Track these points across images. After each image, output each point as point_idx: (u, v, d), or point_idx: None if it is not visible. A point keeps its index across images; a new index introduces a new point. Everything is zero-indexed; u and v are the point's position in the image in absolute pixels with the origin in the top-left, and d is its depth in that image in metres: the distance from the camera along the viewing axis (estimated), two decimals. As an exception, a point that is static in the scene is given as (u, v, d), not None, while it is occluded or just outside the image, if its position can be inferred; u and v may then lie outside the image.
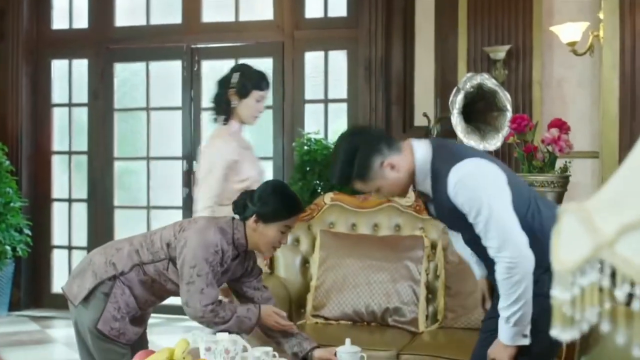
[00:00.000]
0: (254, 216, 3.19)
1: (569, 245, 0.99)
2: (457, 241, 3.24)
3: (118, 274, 3.22)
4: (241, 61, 7.51)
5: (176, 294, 3.33)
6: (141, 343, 3.41)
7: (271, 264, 4.69)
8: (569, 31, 5.32)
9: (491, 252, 2.78)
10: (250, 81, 3.92)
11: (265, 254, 3.36)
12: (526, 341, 2.80)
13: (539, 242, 2.71)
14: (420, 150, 2.89)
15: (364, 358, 3.18)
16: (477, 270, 3.28)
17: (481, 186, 2.76)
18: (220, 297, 3.23)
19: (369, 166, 2.84)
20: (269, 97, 4.06)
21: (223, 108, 4.00)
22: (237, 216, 3.26)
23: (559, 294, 0.99)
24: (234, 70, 4.06)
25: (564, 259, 0.99)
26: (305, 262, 4.69)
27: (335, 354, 3.21)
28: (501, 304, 2.81)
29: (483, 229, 2.75)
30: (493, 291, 3.12)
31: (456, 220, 2.87)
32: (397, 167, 2.85)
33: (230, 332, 3.09)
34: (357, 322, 4.39)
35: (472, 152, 2.92)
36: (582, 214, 1.00)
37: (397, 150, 2.87)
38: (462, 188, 2.75)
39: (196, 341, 3.05)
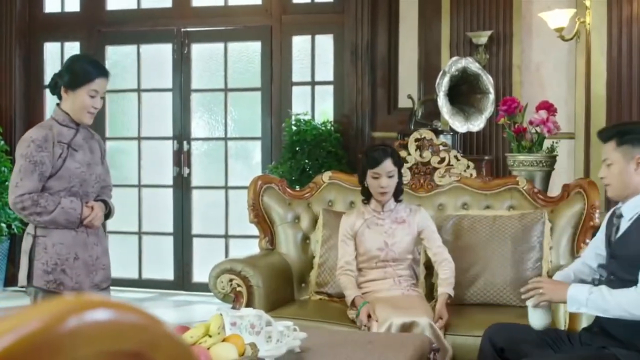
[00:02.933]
0: (63, 88, 3.31)
1: None
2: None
3: (33, 235, 3.27)
4: (230, 45, 7.42)
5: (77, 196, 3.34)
6: None
7: (272, 241, 4.63)
8: (556, 17, 5.30)
9: None
10: None
11: (85, 122, 3.36)
12: (572, 309, 2.93)
13: None
14: None
15: None
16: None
17: None
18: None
19: (633, 144, 2.92)
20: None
21: None
22: None
23: None
24: None
25: None
26: (305, 239, 4.62)
27: None
28: (610, 290, 2.85)
29: None
30: None
31: (629, 250, 2.91)
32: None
33: (59, 225, 3.21)
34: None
35: None
36: None
37: None
38: None
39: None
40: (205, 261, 7.44)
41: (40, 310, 0.62)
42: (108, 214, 3.52)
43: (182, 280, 7.52)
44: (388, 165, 3.91)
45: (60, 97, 3.37)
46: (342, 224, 4.10)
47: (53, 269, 3.26)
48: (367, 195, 4.09)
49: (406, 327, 3.54)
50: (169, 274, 7.58)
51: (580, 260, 3.38)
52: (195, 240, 7.54)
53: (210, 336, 2.52)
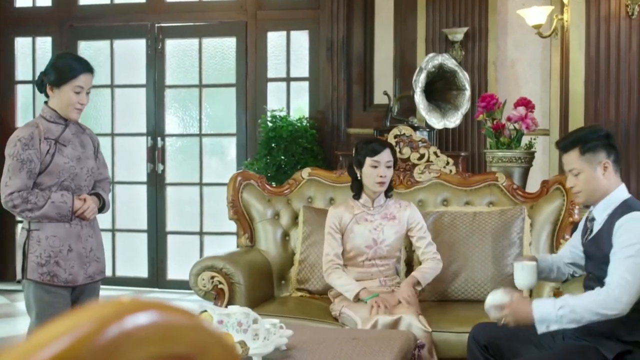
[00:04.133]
0: (48, 86, 3.34)
1: None
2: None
3: (27, 229, 3.35)
4: (205, 40, 7.36)
5: (67, 190, 3.40)
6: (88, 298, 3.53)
7: (252, 238, 4.60)
8: (534, 14, 5.32)
9: (610, 278, 2.85)
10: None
11: (72, 117, 3.41)
12: (541, 329, 2.89)
13: None
14: (624, 188, 3.05)
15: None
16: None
17: None
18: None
19: (595, 150, 2.98)
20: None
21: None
22: None
23: None
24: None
25: None
26: (285, 236, 4.61)
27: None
28: (575, 299, 2.87)
29: (621, 260, 2.84)
30: None
31: (601, 250, 2.96)
32: (607, 174, 2.99)
33: (52, 219, 3.29)
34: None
35: None
36: None
37: (617, 169, 3.03)
38: (634, 224, 2.87)
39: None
40: (179, 258, 7.41)
41: (94, 312, 0.60)
42: (102, 207, 3.54)
43: (157, 277, 7.47)
44: (387, 155, 3.92)
45: (47, 95, 3.40)
46: (329, 216, 4.04)
47: (47, 261, 3.32)
48: (357, 190, 4.05)
49: (392, 325, 3.54)
50: (143, 272, 7.52)
51: (557, 253, 3.45)
52: (169, 237, 7.49)
53: (200, 334, 2.49)
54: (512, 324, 2.95)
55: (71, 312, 0.62)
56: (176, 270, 7.43)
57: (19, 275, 3.41)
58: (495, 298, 3.01)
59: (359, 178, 3.99)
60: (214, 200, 7.36)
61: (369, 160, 3.90)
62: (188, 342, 0.64)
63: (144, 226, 7.51)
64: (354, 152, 4.06)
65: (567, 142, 3.07)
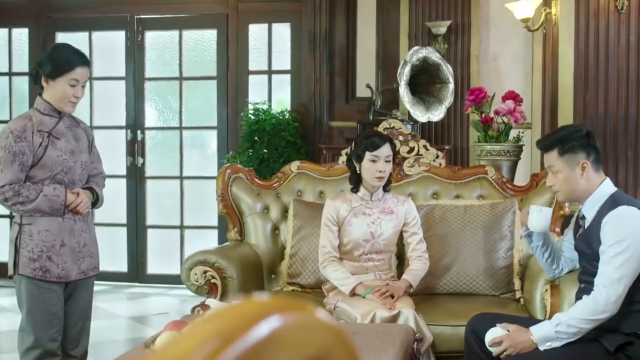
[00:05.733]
0: (43, 78, 3.30)
1: None
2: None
3: (19, 223, 3.31)
4: (185, 32, 7.28)
5: (60, 183, 3.37)
6: (80, 297, 3.51)
7: (241, 232, 4.56)
8: (522, 8, 5.32)
9: (597, 280, 2.92)
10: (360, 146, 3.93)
11: (67, 110, 3.38)
12: (544, 346, 2.96)
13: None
14: (609, 183, 3.07)
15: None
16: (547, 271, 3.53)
17: (635, 231, 2.91)
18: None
19: (574, 151, 3.02)
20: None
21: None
22: None
23: None
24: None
25: None
26: (275, 229, 4.57)
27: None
28: (568, 314, 2.96)
29: (608, 259, 2.89)
30: None
31: (591, 248, 3.01)
32: (586, 174, 3.01)
33: (44, 212, 3.26)
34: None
35: None
36: None
37: (598, 167, 3.06)
38: (620, 220, 2.92)
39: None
40: (160, 252, 7.34)
41: (239, 313, 0.57)
42: (95, 202, 3.48)
43: (137, 272, 7.39)
44: (387, 149, 3.86)
45: (42, 87, 3.35)
46: (326, 208, 3.99)
47: (39, 256, 3.28)
48: (356, 183, 3.99)
49: (390, 320, 3.52)
50: (122, 266, 7.44)
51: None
52: (149, 231, 7.41)
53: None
54: (515, 353, 3.01)
55: (205, 317, 0.59)
56: (156, 264, 7.37)
57: (10, 271, 3.34)
58: (494, 334, 3.09)
59: (358, 172, 3.94)
60: (195, 193, 7.30)
61: (368, 155, 3.85)
62: (317, 343, 0.61)
63: (124, 220, 7.42)
64: (353, 145, 4.01)
65: (548, 142, 3.12)
